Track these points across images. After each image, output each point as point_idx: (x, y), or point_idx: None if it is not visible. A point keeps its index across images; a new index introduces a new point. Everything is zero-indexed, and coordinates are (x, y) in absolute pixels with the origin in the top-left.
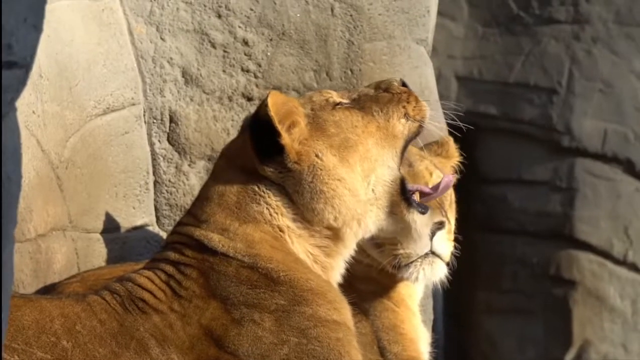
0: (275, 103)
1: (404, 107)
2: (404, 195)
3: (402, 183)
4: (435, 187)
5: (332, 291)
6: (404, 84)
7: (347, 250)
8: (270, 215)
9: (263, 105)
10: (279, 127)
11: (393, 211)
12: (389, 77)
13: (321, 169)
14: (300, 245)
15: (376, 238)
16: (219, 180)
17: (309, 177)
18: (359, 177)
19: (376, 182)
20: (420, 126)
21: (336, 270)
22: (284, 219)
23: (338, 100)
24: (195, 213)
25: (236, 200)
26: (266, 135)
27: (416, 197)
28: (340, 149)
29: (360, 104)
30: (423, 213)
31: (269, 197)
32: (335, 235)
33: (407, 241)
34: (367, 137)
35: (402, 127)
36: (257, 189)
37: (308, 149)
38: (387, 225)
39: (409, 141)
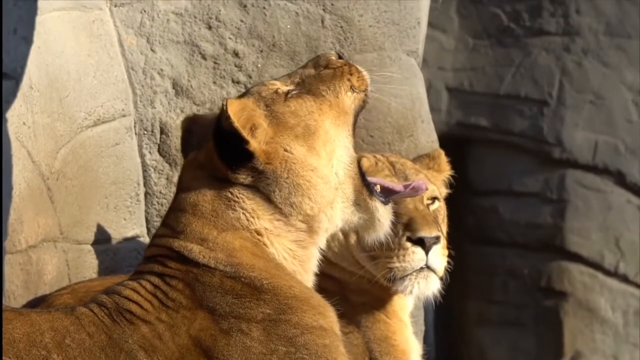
0: (236, 112)
1: (348, 79)
2: (364, 181)
3: (359, 165)
4: (405, 186)
5: (314, 297)
6: (340, 57)
7: (320, 238)
8: (247, 220)
9: (224, 116)
10: (244, 134)
11: (357, 200)
12: (324, 52)
13: (294, 162)
14: (279, 244)
15: (368, 249)
16: (189, 191)
17: (284, 173)
18: (326, 162)
19: (338, 164)
20: (366, 96)
21: (312, 261)
22: (261, 221)
23: (286, 89)
24: (170, 224)
25: (211, 208)
26: (232, 144)
27: (377, 189)
28: (305, 138)
29: (306, 87)
30: (384, 203)
31: (243, 201)
32: (309, 228)
33: (369, 233)
34: (324, 119)
35: (350, 101)
36: (230, 195)
37: (275, 146)
38: (351, 215)
39: (357, 115)
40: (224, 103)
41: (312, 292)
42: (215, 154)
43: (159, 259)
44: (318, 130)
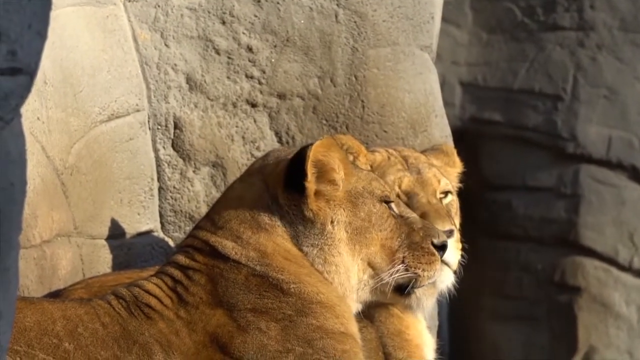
0: (320, 152)
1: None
2: None
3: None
4: None
5: (341, 305)
6: (441, 246)
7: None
8: (280, 235)
9: (311, 145)
10: (309, 172)
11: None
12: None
13: (329, 236)
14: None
15: None
16: (243, 181)
17: (318, 233)
18: (357, 267)
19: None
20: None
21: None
22: (290, 243)
23: (391, 199)
24: (213, 217)
25: (251, 206)
26: (301, 170)
27: None
28: (356, 233)
29: (402, 220)
30: None
31: (279, 219)
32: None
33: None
34: (379, 247)
35: (397, 273)
36: (270, 203)
37: (328, 212)
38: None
39: (389, 291)
40: (326, 137)
41: (340, 301)
42: (285, 164)
43: (189, 250)
44: (370, 244)
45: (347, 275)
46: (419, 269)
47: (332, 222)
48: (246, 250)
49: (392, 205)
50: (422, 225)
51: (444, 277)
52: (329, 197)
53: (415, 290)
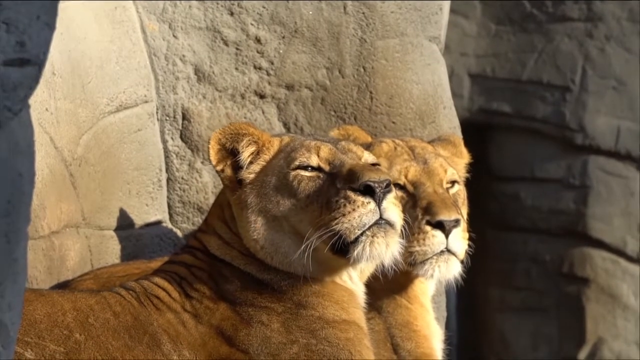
0: (224, 138)
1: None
2: None
3: None
4: None
5: (337, 291)
6: (365, 189)
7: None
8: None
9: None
10: (214, 159)
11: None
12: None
13: (249, 221)
14: None
15: None
16: None
17: (245, 223)
18: (290, 240)
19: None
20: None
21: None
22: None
23: (312, 164)
24: (206, 217)
25: (223, 203)
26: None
27: None
28: (268, 210)
29: (329, 179)
30: None
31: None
32: None
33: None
34: (301, 215)
35: (321, 234)
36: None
37: (241, 195)
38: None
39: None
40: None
41: (334, 286)
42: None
43: (193, 250)
44: (289, 217)
45: (283, 252)
46: (334, 225)
47: (246, 207)
48: (229, 249)
49: (321, 165)
50: (345, 174)
51: (450, 266)
52: (245, 182)
53: (352, 245)
